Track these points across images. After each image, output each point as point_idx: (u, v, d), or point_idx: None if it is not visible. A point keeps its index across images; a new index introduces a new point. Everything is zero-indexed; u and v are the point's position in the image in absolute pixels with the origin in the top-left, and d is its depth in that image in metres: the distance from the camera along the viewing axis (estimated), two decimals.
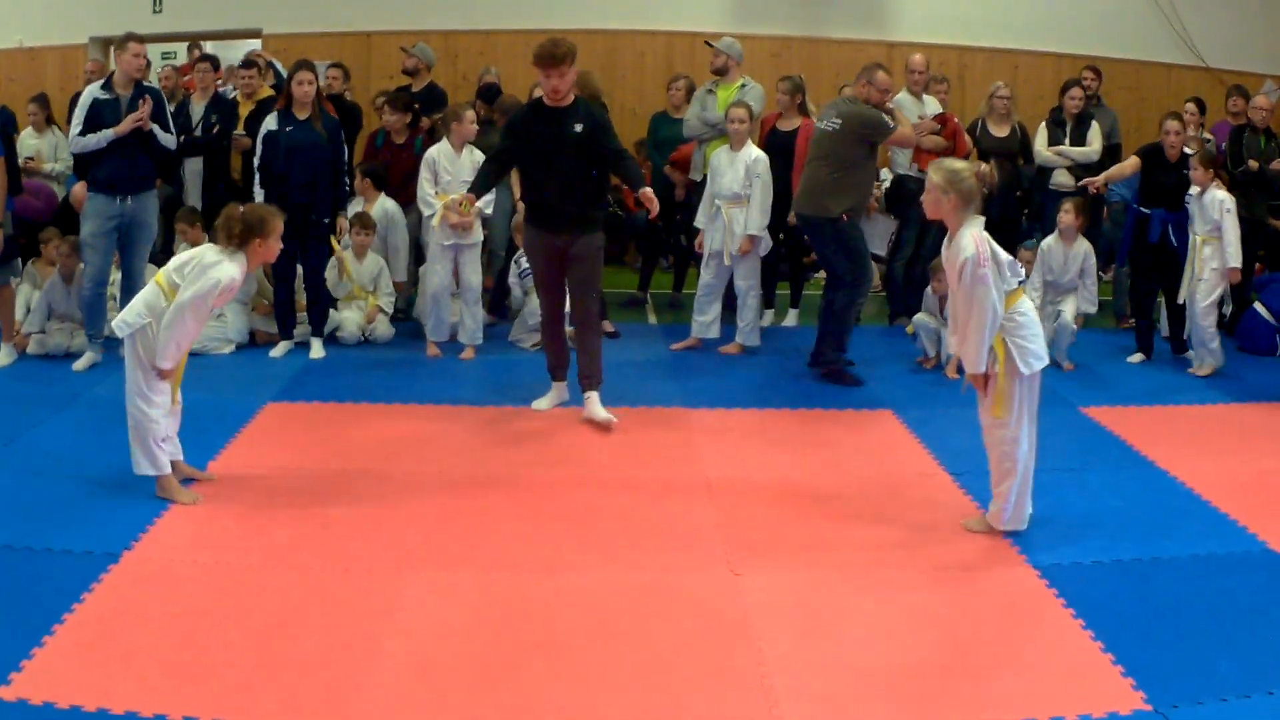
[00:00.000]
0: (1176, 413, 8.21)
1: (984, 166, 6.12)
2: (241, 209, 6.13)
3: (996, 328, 5.54)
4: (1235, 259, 9.04)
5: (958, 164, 5.87)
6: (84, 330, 8.86)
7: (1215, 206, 9.03)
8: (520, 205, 9.60)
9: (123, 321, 5.95)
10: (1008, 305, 5.59)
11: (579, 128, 7.44)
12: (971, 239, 5.59)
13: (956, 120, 10.86)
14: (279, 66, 11.12)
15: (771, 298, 10.67)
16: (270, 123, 8.98)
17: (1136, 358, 9.66)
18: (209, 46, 14.39)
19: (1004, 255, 5.65)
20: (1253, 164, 10.34)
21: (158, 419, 5.99)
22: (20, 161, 9.62)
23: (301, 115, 8.95)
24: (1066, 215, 9.51)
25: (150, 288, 6.05)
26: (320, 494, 6.22)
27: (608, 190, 8.04)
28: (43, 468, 6.55)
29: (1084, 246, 9.50)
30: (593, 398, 7.65)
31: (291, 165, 8.86)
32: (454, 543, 5.65)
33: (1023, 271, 5.82)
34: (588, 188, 7.56)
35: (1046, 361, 5.70)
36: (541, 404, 7.91)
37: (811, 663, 4.54)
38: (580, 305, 7.70)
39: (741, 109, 9.39)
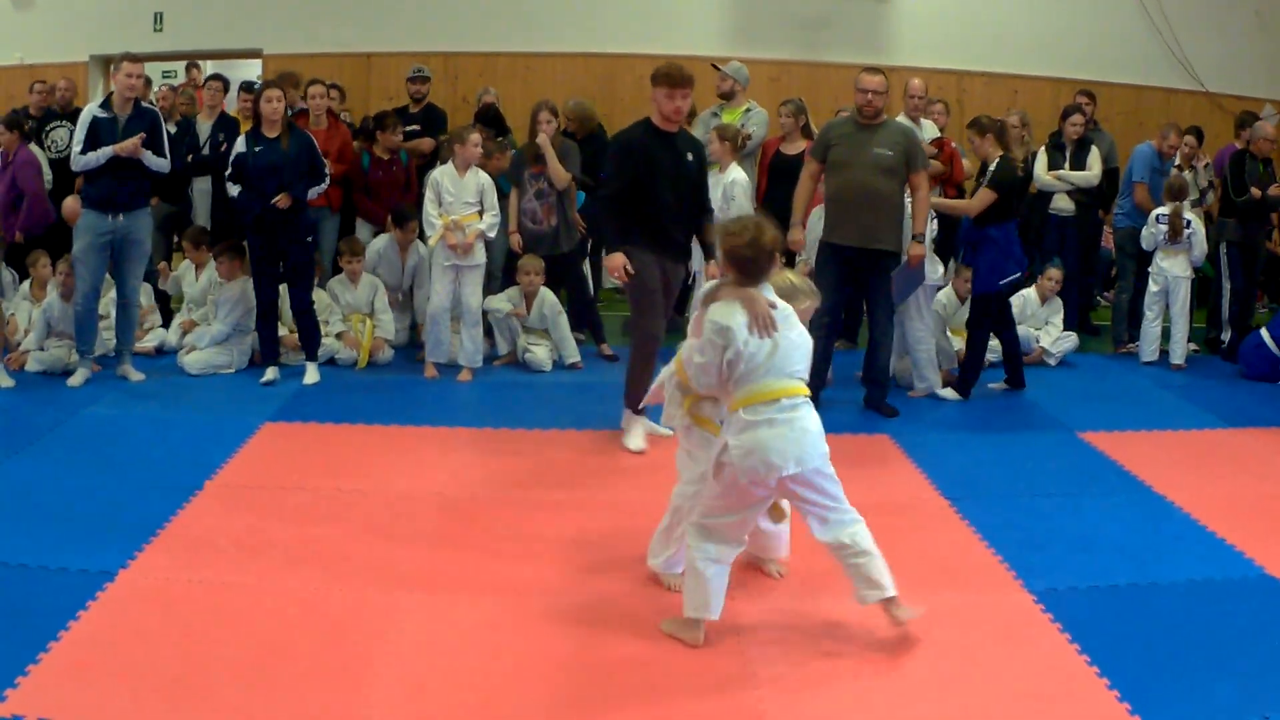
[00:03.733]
0: (1174, 438, 8.20)
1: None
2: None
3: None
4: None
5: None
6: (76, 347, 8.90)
7: None
8: (515, 237, 9.68)
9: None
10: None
11: (690, 156, 7.49)
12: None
13: (954, 145, 10.90)
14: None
15: None
16: (240, 145, 8.87)
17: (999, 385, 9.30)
18: (209, 66, 14.45)
19: None
20: (1255, 192, 10.39)
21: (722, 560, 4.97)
22: None
23: (270, 134, 8.81)
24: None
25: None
26: (316, 514, 6.22)
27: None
28: (39, 485, 6.55)
29: None
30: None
31: (261, 186, 8.73)
32: (449, 564, 5.64)
33: None
34: (690, 217, 7.57)
35: None
36: (640, 442, 7.63)
37: (805, 686, 4.54)
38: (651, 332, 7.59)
39: (718, 131, 9.38)
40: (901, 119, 10.18)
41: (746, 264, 4.81)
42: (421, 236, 9.68)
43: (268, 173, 8.70)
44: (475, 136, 9.21)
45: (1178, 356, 10.28)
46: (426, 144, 11.04)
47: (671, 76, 7.33)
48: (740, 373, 4.73)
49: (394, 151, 10.41)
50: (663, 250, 7.44)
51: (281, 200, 8.61)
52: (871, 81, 8.21)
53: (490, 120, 10.90)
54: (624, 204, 7.34)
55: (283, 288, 9.15)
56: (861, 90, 8.24)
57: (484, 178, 9.19)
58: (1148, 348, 10.44)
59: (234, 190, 8.85)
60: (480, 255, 9.24)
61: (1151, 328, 10.39)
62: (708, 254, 7.69)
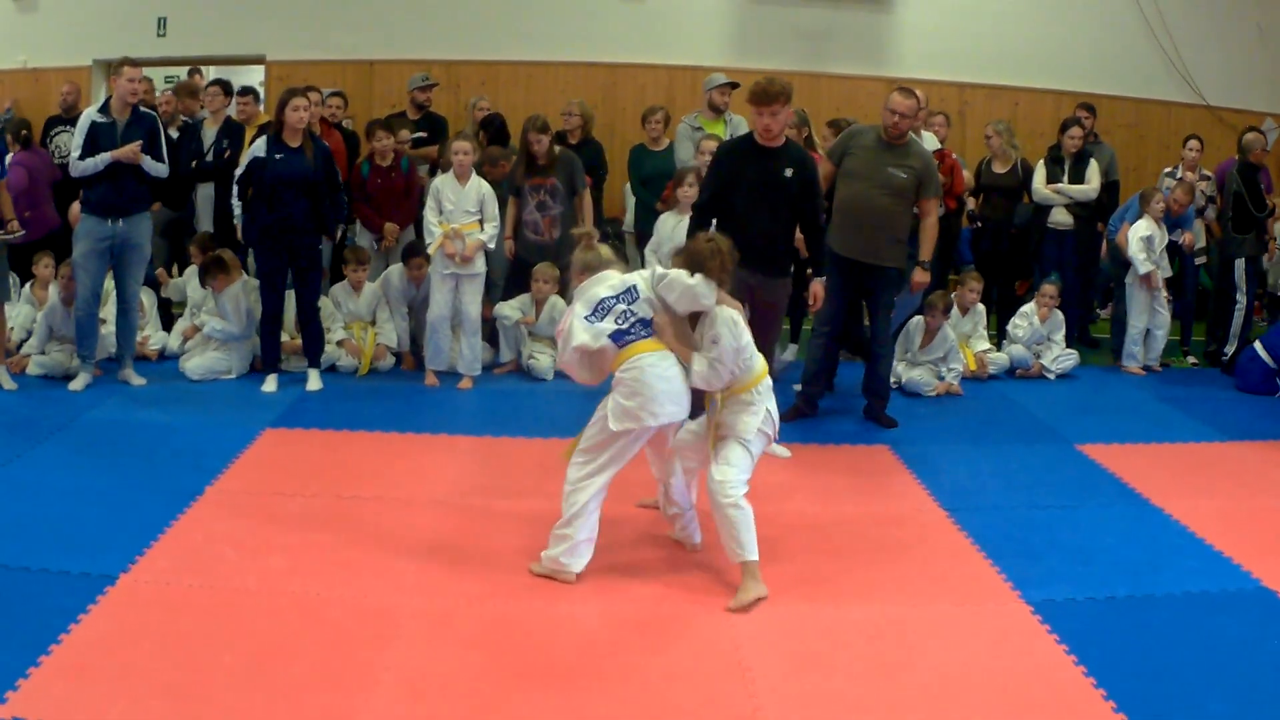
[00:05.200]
0: (1171, 450, 8.22)
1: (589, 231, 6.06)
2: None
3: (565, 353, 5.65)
4: None
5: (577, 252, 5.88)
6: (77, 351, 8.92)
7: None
8: (509, 243, 9.69)
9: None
10: (619, 361, 5.54)
11: (789, 172, 7.46)
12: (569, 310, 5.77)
13: (954, 156, 10.92)
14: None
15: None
16: (259, 148, 8.81)
17: None
18: (212, 72, 14.45)
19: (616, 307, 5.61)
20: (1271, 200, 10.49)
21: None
22: None
23: (293, 142, 8.77)
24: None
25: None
26: (316, 520, 6.23)
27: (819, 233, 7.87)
28: (41, 488, 6.57)
29: None
30: None
31: (280, 193, 8.72)
32: (448, 571, 5.65)
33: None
34: (787, 231, 7.61)
35: (641, 424, 5.48)
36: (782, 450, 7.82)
37: (803, 696, 4.55)
38: (759, 347, 7.45)
39: (713, 142, 9.38)
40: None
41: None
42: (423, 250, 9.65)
43: (288, 181, 8.70)
44: (461, 145, 9.17)
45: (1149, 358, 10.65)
46: (433, 152, 11.05)
47: (756, 95, 7.34)
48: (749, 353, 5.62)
49: (395, 159, 10.39)
50: (741, 262, 6.87)
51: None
52: (902, 105, 8.10)
53: (494, 131, 10.90)
54: (709, 214, 7.38)
55: (287, 295, 9.17)
56: (890, 111, 8.12)
57: (485, 187, 9.18)
58: (1130, 349, 10.73)
59: (238, 208, 8.86)
60: (480, 265, 9.23)
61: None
62: (815, 270, 7.70)
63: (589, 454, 5.62)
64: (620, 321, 5.53)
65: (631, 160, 11.47)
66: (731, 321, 5.55)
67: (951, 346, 9.53)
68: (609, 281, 5.62)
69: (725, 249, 5.67)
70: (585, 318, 5.54)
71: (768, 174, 7.43)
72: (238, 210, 8.90)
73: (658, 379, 5.47)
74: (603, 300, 5.56)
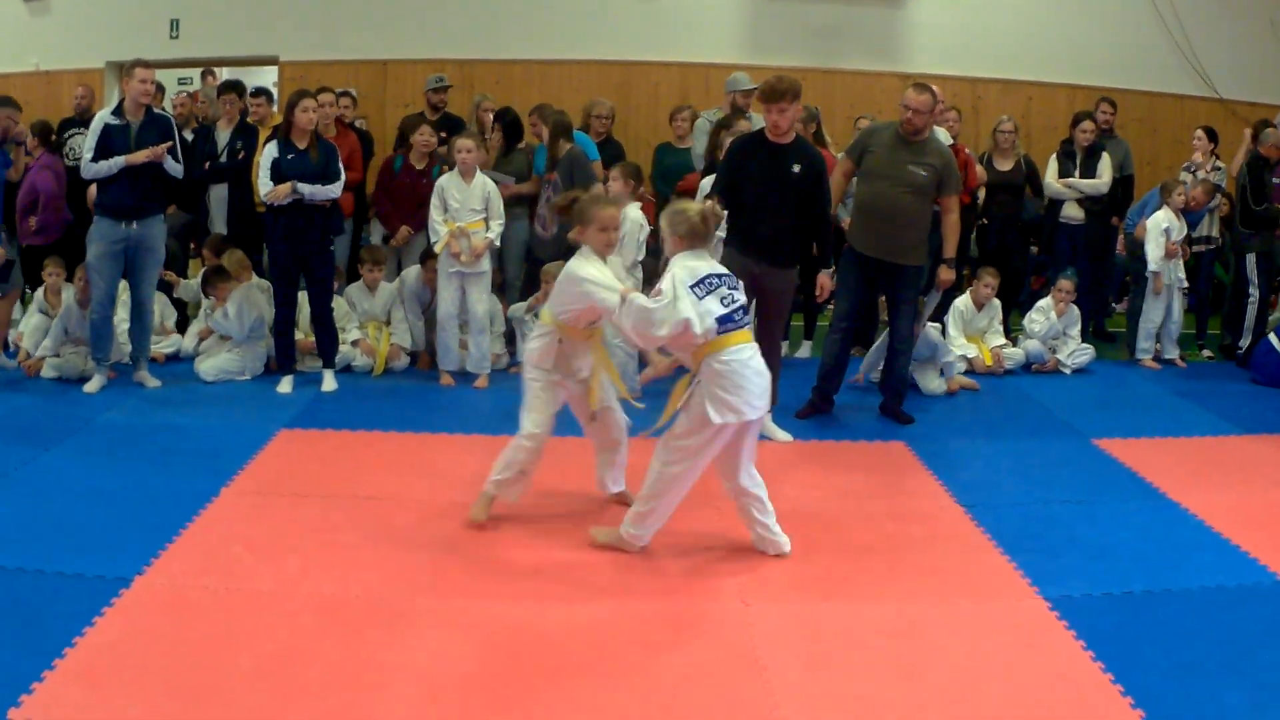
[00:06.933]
0: (1188, 444, 8.20)
1: (710, 203, 5.94)
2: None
3: (646, 333, 5.52)
4: None
5: (680, 205, 5.81)
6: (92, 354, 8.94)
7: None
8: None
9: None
10: (715, 348, 5.48)
11: (797, 168, 7.61)
12: (669, 273, 5.57)
13: (968, 151, 10.89)
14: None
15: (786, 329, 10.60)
16: (272, 150, 8.79)
17: None
18: (225, 73, 14.47)
19: (719, 302, 5.51)
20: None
21: None
22: None
23: (301, 144, 8.78)
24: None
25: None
26: (331, 521, 6.23)
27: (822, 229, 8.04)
28: (56, 491, 6.58)
29: None
30: (766, 418, 7.80)
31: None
32: (463, 571, 5.65)
33: (741, 311, 5.61)
34: (794, 225, 7.75)
35: (743, 418, 5.50)
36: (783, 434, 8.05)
37: (820, 694, 4.53)
38: (766, 333, 7.58)
39: (730, 138, 9.38)
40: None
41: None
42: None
43: (302, 181, 8.69)
44: (464, 143, 9.11)
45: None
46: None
47: (764, 93, 7.57)
48: None
49: (429, 164, 10.35)
50: (746, 251, 7.59)
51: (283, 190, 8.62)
52: (916, 100, 8.11)
53: (509, 125, 10.89)
54: (725, 200, 7.41)
55: (301, 295, 9.17)
56: (905, 107, 8.15)
57: (490, 185, 9.18)
58: (1142, 343, 10.77)
59: (280, 190, 8.66)
60: (486, 263, 9.25)
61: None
62: (821, 262, 7.95)
63: (684, 440, 5.59)
64: (726, 304, 5.48)
65: (655, 156, 11.49)
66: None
67: (936, 346, 9.42)
68: (707, 259, 5.60)
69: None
70: (691, 287, 5.45)
71: (776, 169, 7.59)
72: (278, 194, 8.72)
73: (755, 373, 5.52)
74: (708, 276, 5.49)
